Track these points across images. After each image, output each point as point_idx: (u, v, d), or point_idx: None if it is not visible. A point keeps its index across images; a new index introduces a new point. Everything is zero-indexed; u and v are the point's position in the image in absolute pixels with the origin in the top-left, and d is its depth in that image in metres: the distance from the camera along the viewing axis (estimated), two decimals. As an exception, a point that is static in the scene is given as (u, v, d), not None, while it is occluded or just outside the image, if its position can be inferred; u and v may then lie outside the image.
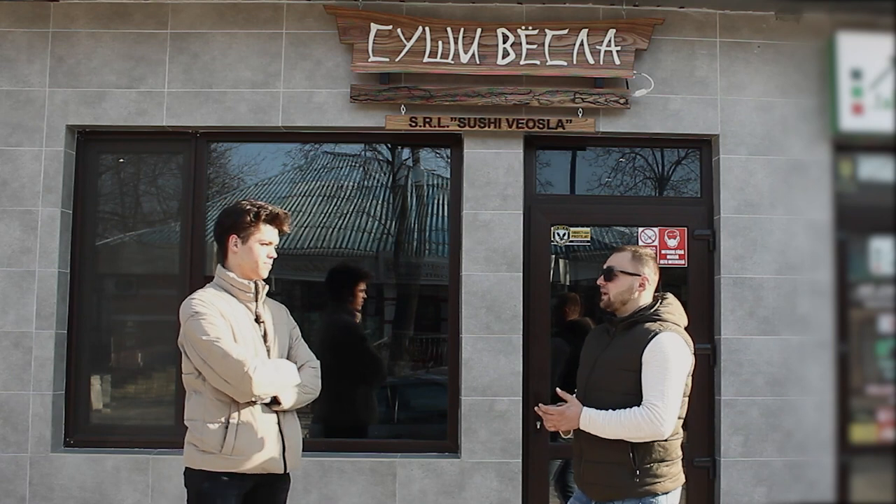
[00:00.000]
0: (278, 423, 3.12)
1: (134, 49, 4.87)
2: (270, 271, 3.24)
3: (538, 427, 4.74)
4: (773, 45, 4.90)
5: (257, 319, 3.17)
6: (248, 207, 3.17)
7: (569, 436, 3.28)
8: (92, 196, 5.02)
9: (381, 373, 5.10)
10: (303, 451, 4.66)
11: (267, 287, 3.26)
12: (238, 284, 3.15)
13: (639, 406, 3.03)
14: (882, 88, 4.39)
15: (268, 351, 3.15)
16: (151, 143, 5.04)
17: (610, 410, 3.05)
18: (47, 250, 4.76)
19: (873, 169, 4.47)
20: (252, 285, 3.17)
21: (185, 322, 3.04)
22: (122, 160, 5.17)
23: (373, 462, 4.70)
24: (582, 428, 3.10)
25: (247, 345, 3.05)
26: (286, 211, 3.25)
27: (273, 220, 3.20)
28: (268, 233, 3.19)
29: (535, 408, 3.29)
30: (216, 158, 5.12)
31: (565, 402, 3.20)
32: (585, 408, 3.10)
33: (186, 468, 3.11)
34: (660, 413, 2.98)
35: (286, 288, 5.24)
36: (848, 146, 4.52)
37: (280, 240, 3.29)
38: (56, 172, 4.80)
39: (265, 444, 3.06)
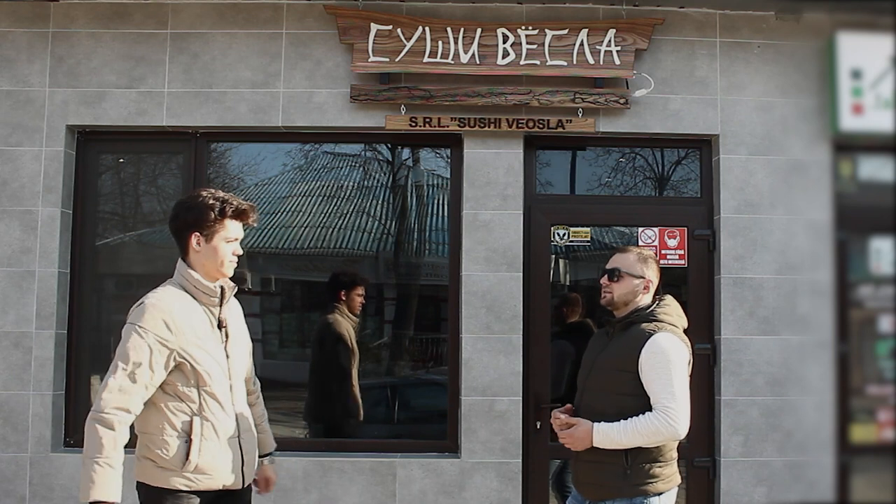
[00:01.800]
0: (238, 437, 2.88)
1: (134, 49, 4.87)
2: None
3: (538, 427, 4.75)
4: (773, 45, 4.90)
5: (220, 325, 2.89)
6: (212, 202, 2.83)
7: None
8: (92, 196, 5.01)
9: (348, 377, 5.00)
10: (303, 451, 4.71)
11: (236, 288, 2.97)
12: (203, 288, 2.83)
13: (648, 410, 3.00)
14: (882, 88, 4.40)
15: (227, 357, 2.89)
16: (151, 143, 5.04)
17: (622, 421, 3.01)
18: (47, 250, 4.76)
19: (873, 169, 4.47)
20: (218, 289, 2.86)
21: (126, 325, 2.74)
22: (122, 160, 5.17)
23: (373, 462, 4.70)
24: (596, 445, 3.03)
25: (207, 352, 2.81)
26: (252, 203, 2.95)
27: (239, 215, 2.88)
28: (233, 229, 2.87)
29: (552, 416, 3.22)
30: (216, 158, 5.12)
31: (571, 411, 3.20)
32: (595, 424, 3.04)
33: (141, 483, 2.82)
34: (675, 414, 2.96)
35: (286, 288, 5.23)
36: (848, 146, 4.52)
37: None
38: (56, 172, 4.80)
39: (227, 461, 2.83)
